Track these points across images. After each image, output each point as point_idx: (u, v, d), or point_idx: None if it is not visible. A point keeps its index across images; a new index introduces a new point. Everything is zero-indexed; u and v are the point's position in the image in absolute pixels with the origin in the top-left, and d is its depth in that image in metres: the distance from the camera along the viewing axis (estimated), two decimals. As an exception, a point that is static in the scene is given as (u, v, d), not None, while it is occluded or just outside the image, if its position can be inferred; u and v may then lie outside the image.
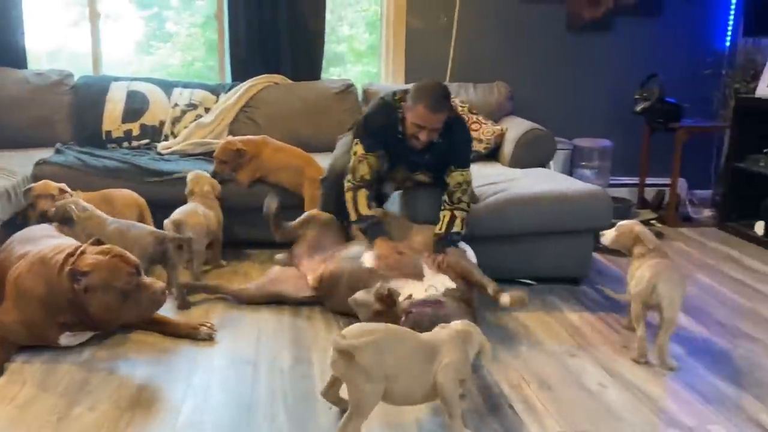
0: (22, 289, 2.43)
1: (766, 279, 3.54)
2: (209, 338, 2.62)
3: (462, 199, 2.94)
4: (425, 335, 2.02)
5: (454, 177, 2.94)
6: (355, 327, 1.95)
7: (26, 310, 2.42)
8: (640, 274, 2.54)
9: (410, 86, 2.89)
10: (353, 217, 2.96)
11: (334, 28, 4.67)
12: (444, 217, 2.92)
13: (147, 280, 2.42)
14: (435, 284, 2.66)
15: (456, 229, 2.90)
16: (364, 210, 2.92)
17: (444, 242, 2.87)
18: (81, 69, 4.46)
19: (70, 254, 2.40)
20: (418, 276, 2.70)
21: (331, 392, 2.10)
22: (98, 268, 2.32)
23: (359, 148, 2.94)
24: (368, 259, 2.82)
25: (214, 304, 2.99)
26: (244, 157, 3.60)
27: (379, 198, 3.34)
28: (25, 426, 2.02)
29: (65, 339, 2.49)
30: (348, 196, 2.96)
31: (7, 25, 4.23)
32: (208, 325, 2.67)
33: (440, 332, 2.03)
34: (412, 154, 2.98)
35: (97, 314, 2.37)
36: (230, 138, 3.78)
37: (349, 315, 2.78)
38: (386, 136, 2.94)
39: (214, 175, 3.54)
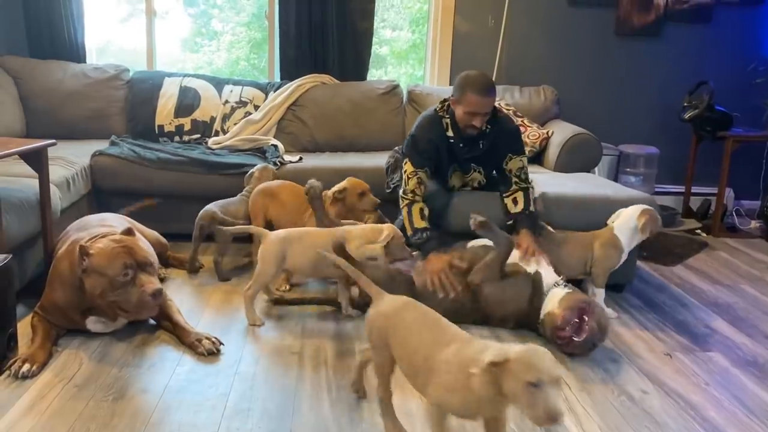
0: (56, 271, 2.54)
1: (815, 293, 3.47)
2: (209, 353, 2.48)
3: (524, 179, 3.12)
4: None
5: (514, 163, 3.10)
6: None
7: (58, 291, 2.52)
8: None
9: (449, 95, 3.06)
10: (409, 231, 2.97)
11: (376, 29, 4.72)
12: (512, 198, 3.10)
13: (144, 278, 2.39)
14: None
15: (528, 206, 3.08)
16: (419, 223, 2.97)
17: (524, 219, 3.03)
18: (128, 64, 4.54)
19: (95, 236, 2.48)
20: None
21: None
22: (100, 253, 2.38)
23: (408, 166, 3.04)
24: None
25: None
26: None
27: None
28: (83, 404, 2.11)
29: (92, 324, 2.56)
30: (404, 212, 3.02)
31: (68, 21, 4.38)
32: (213, 339, 2.54)
33: None
34: (466, 152, 3.09)
35: (90, 296, 2.43)
36: None
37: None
38: (436, 147, 3.05)
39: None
